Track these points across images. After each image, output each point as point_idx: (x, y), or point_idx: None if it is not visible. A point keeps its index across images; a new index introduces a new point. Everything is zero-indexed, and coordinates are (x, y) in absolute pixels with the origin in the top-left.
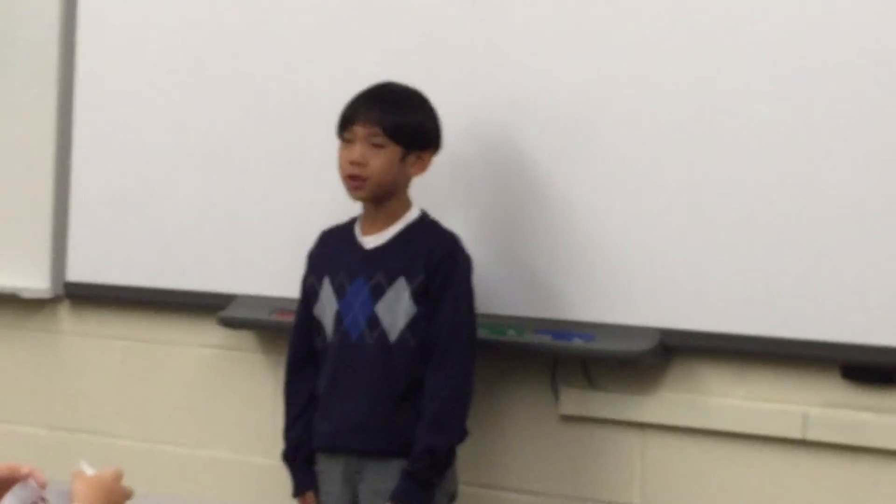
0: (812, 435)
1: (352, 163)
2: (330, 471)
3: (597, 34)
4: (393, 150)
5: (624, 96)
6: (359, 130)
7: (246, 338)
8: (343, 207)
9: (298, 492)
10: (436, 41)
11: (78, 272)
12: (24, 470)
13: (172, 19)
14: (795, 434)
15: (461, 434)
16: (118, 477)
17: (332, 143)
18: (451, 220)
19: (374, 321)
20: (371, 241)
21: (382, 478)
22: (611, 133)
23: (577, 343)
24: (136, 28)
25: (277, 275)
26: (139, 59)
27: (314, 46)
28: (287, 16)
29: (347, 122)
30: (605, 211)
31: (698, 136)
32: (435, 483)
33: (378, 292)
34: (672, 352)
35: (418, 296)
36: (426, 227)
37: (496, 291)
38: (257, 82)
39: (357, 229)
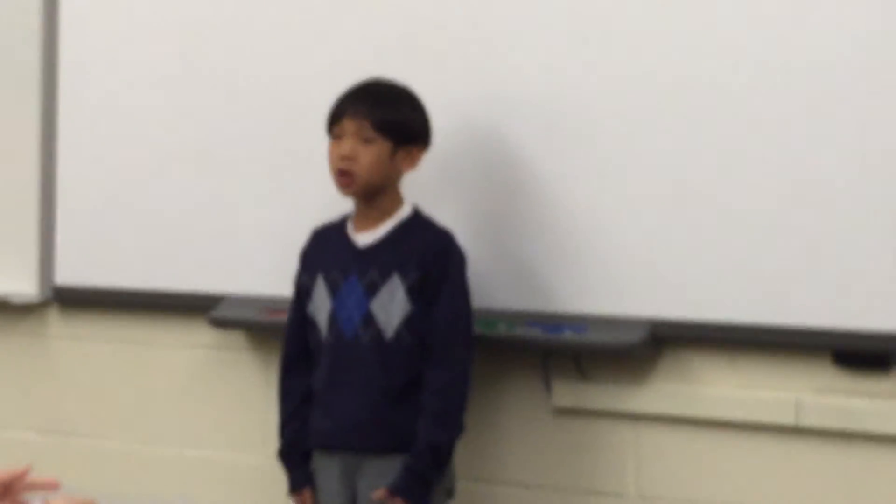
0: (805, 421)
1: (342, 157)
2: (328, 468)
3: (582, 29)
4: (382, 145)
5: (610, 90)
6: (348, 125)
7: (236, 337)
8: (332, 205)
9: (294, 489)
10: (422, 37)
11: (66, 276)
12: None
13: (157, 18)
14: (788, 421)
15: (460, 429)
16: None
17: (319, 139)
18: (440, 214)
19: (368, 319)
20: (364, 238)
21: (382, 474)
22: (597, 126)
23: (568, 335)
24: (119, 27)
25: (266, 274)
26: (123, 59)
27: (300, 43)
28: (271, 13)
29: (336, 117)
30: (593, 203)
31: (684, 129)
32: (434, 479)
33: (372, 290)
34: (663, 342)
35: (413, 293)
36: (420, 223)
37: (486, 285)
38: (243, 80)
39: (350, 227)
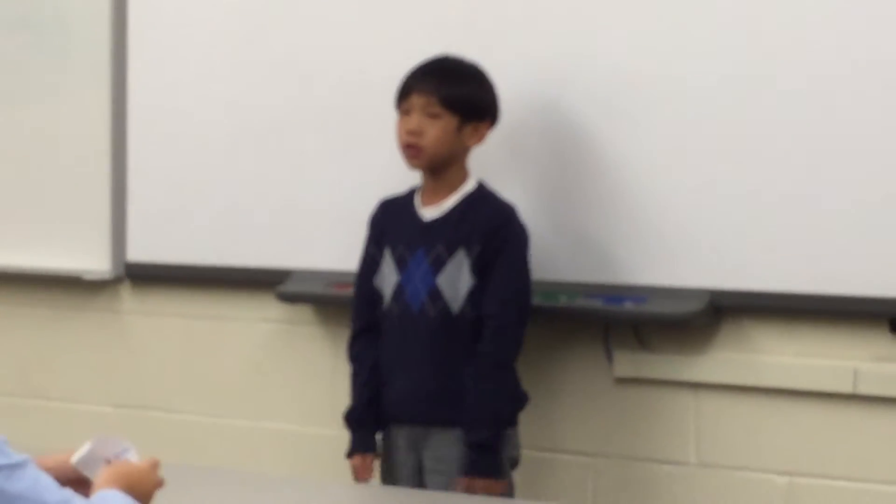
0: (862, 389)
1: (409, 132)
2: (394, 439)
3: (648, 4)
4: (449, 120)
5: (671, 64)
6: (415, 101)
7: (304, 311)
8: (398, 180)
9: (352, 453)
10: (486, 13)
11: (138, 252)
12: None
13: None
14: (846, 389)
15: (522, 399)
16: (154, 466)
17: (385, 116)
18: (503, 188)
19: (435, 293)
20: (430, 212)
21: (446, 445)
22: (659, 100)
23: (629, 306)
24: (188, 7)
25: (333, 249)
26: (191, 38)
27: (365, 20)
28: None
29: (405, 93)
30: (653, 176)
31: (745, 100)
32: (497, 447)
33: (438, 265)
34: (722, 312)
35: (476, 267)
36: (484, 197)
37: (548, 257)
38: (310, 57)
39: (416, 200)
